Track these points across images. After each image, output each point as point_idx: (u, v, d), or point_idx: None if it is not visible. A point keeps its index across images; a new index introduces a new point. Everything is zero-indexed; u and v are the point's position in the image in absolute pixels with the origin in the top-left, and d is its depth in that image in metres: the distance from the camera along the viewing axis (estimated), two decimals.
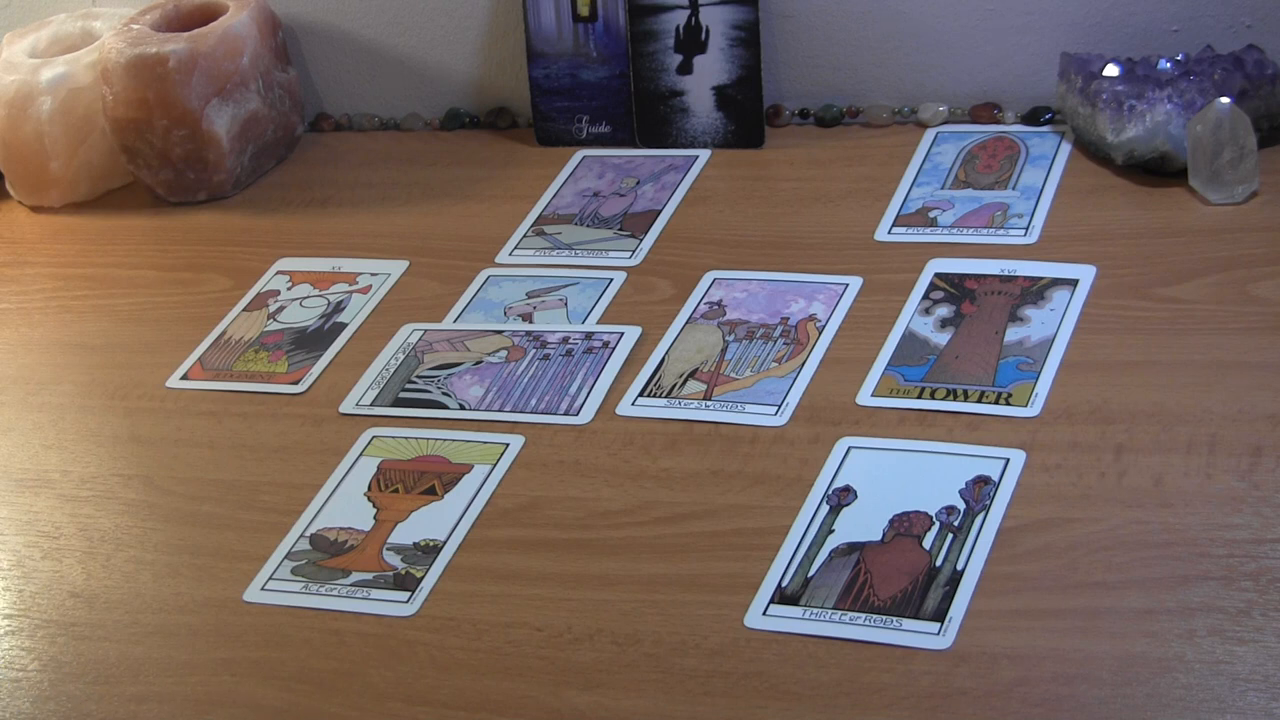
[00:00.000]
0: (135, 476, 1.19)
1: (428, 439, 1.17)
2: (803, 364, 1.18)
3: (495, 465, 1.13)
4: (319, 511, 1.12)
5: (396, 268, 1.38)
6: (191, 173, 1.51)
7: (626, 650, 0.97)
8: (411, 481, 1.13)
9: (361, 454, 1.17)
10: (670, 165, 1.47)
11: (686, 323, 1.25)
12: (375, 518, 1.11)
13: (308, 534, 1.11)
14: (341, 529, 1.10)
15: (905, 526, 1.02)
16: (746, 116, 1.47)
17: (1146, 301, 1.19)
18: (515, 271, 1.36)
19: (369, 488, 1.14)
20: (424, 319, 1.31)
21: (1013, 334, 1.18)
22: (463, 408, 1.20)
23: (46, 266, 1.48)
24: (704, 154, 1.47)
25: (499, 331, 1.27)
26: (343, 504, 1.13)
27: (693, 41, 1.47)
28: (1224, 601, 0.93)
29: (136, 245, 1.49)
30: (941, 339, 1.18)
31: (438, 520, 1.09)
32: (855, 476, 1.07)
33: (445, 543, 1.07)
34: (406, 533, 1.09)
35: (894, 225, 1.33)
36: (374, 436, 1.18)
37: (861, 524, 1.03)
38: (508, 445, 1.15)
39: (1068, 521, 1.01)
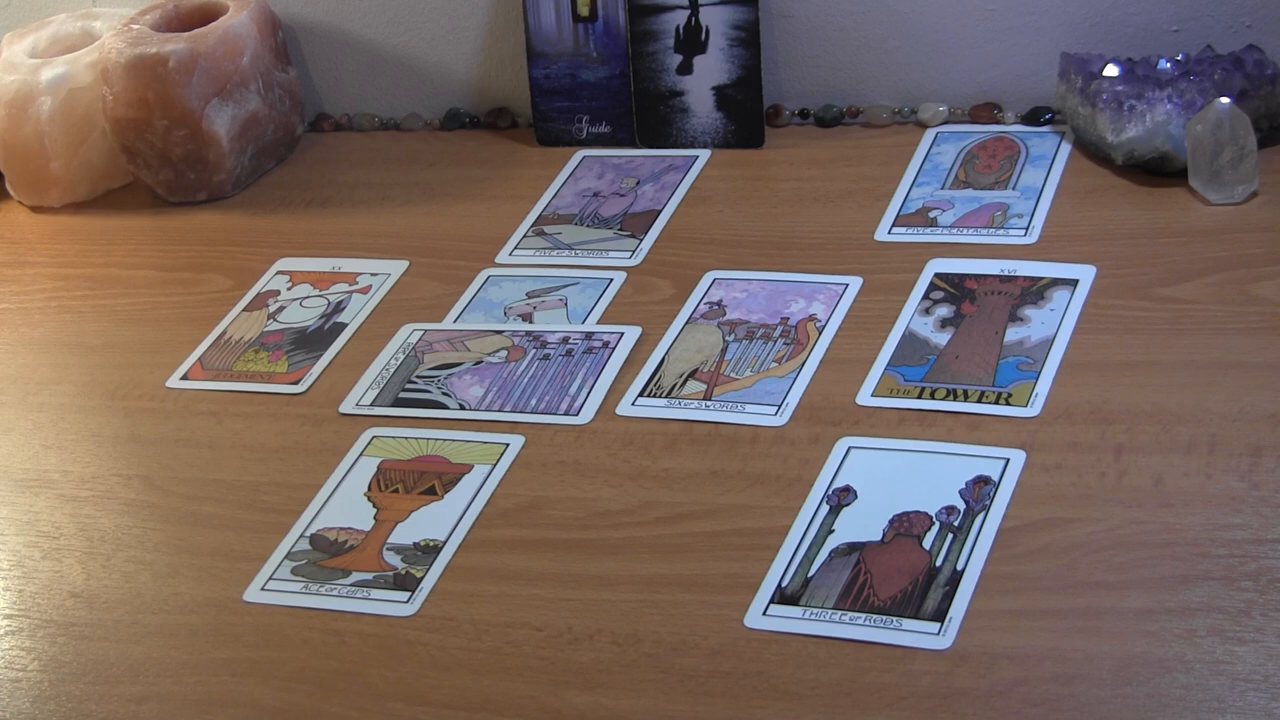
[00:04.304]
0: (135, 476, 1.19)
1: (428, 439, 1.17)
2: (803, 364, 1.18)
3: (495, 465, 1.13)
4: (319, 511, 1.12)
5: (396, 268, 1.38)
6: (191, 173, 1.51)
7: (626, 650, 0.97)
8: (411, 481, 1.13)
9: (361, 454, 1.17)
10: (670, 165, 1.47)
11: (686, 323, 1.25)
12: (375, 518, 1.11)
13: (308, 534, 1.11)
14: (341, 529, 1.10)
15: (905, 526, 1.02)
16: (746, 116, 1.47)
17: (1146, 301, 1.19)
18: (515, 271, 1.36)
19: (369, 488, 1.14)
20: (424, 319, 1.31)
21: (1013, 334, 1.18)
22: (463, 408, 1.20)
23: (46, 266, 1.48)
24: (704, 154, 1.47)
25: (499, 331, 1.27)
26: (343, 504, 1.13)
27: (693, 41, 1.47)
28: (1224, 601, 0.93)
29: (136, 245, 1.49)
30: (941, 339, 1.18)
31: (438, 520, 1.09)
32: (855, 476, 1.07)
33: (445, 543, 1.07)
34: (406, 533, 1.09)
35: (894, 225, 1.33)
36: (374, 436, 1.18)
37: (861, 524, 1.03)
38: (508, 445, 1.15)
39: (1068, 521, 1.01)
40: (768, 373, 1.18)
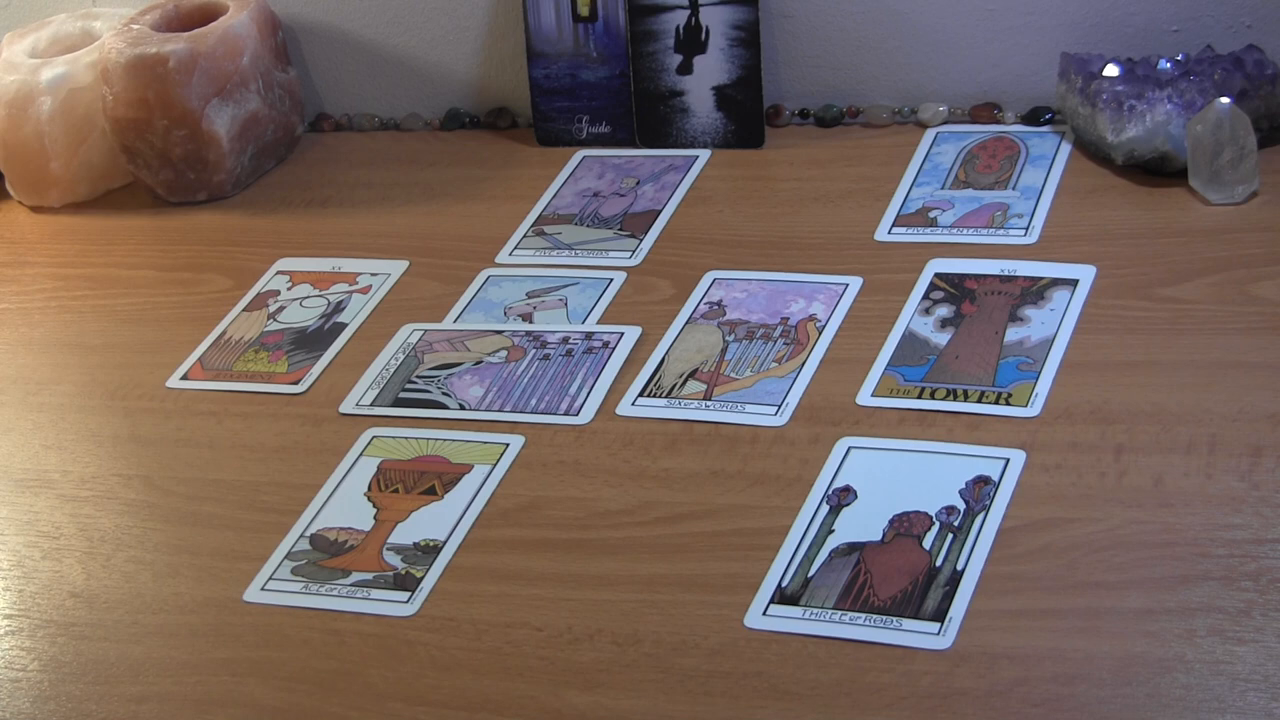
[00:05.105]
0: (135, 476, 1.19)
1: (428, 439, 1.17)
2: (803, 364, 1.18)
3: (495, 465, 1.13)
4: (319, 512, 1.12)
5: (396, 268, 1.38)
6: (191, 173, 1.51)
7: (626, 650, 0.97)
8: (411, 481, 1.14)
9: (361, 454, 1.17)
10: (670, 165, 1.47)
11: (686, 323, 1.25)
12: (375, 518, 1.11)
13: (308, 534, 1.11)
14: (341, 529, 1.10)
15: (905, 526, 1.02)
16: (746, 116, 1.47)
17: (1146, 301, 1.19)
18: (515, 271, 1.36)
19: (369, 488, 1.14)
20: (424, 319, 1.31)
21: (1013, 334, 1.18)
22: (463, 408, 1.20)
23: (46, 266, 1.48)
24: (704, 154, 1.47)
25: (499, 331, 1.27)
26: (343, 504, 1.13)
27: (693, 41, 1.47)
28: (1224, 601, 0.93)
29: (136, 245, 1.49)
30: (941, 339, 1.18)
31: (438, 520, 1.09)
32: (855, 476, 1.07)
33: (445, 543, 1.07)
34: (406, 533, 1.09)
35: (894, 225, 1.33)
36: (374, 436, 1.18)
37: (861, 524, 1.03)
38: (508, 445, 1.15)
39: (1068, 521, 1.01)
40: (768, 373, 1.18)
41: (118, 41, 1.50)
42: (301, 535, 1.11)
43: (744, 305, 1.26)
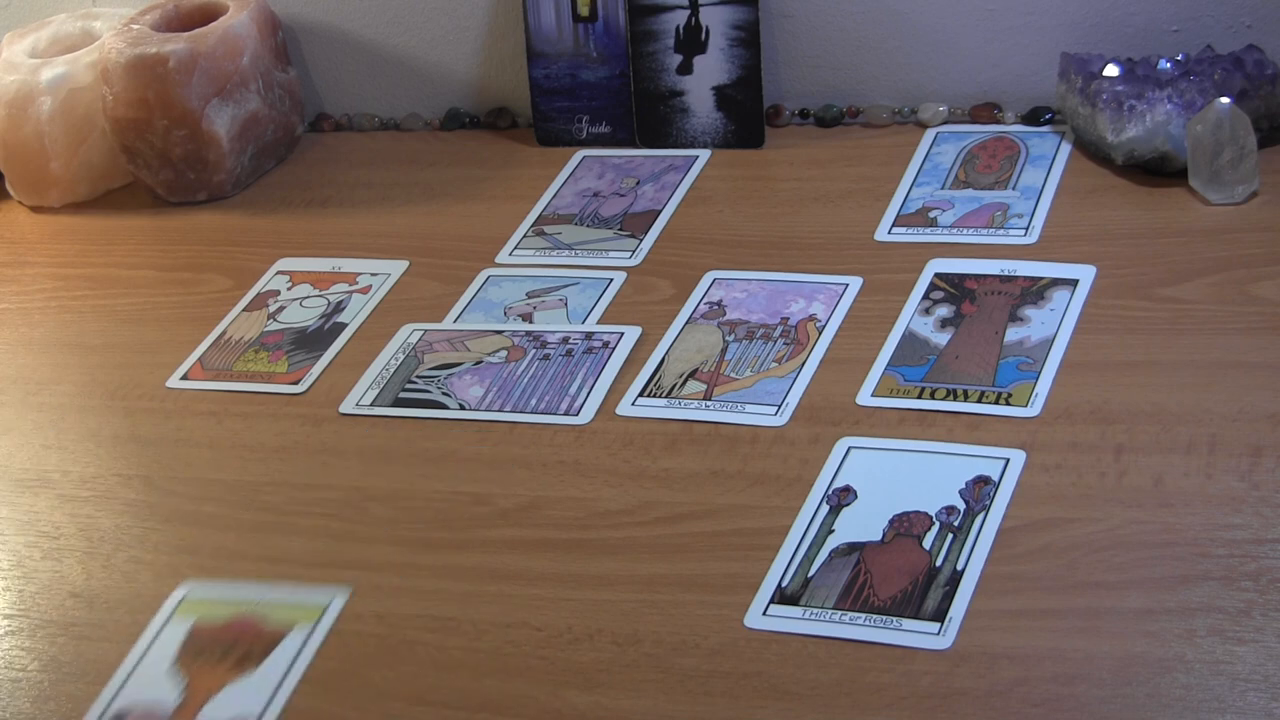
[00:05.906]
0: (135, 476, 1.19)
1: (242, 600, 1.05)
2: (803, 364, 1.18)
3: (316, 625, 1.02)
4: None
5: (396, 268, 1.38)
6: (191, 173, 1.51)
7: (626, 650, 0.97)
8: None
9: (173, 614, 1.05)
10: (670, 165, 1.47)
11: (686, 323, 1.25)
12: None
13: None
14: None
15: (905, 526, 1.02)
16: (746, 116, 1.47)
17: (1146, 301, 1.19)
18: (515, 271, 1.36)
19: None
20: (424, 319, 1.31)
21: (1013, 334, 1.18)
22: (463, 408, 1.20)
23: (46, 266, 1.48)
24: (704, 154, 1.47)
25: (499, 331, 1.27)
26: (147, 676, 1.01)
27: (693, 41, 1.47)
28: (1224, 601, 0.93)
29: (136, 245, 1.49)
30: (941, 339, 1.18)
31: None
32: (855, 476, 1.07)
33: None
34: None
35: (894, 225, 1.33)
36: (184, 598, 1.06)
37: (861, 524, 1.03)
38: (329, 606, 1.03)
39: (1068, 521, 1.01)
40: (768, 373, 1.18)
41: (118, 41, 1.50)
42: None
43: (744, 305, 1.26)
